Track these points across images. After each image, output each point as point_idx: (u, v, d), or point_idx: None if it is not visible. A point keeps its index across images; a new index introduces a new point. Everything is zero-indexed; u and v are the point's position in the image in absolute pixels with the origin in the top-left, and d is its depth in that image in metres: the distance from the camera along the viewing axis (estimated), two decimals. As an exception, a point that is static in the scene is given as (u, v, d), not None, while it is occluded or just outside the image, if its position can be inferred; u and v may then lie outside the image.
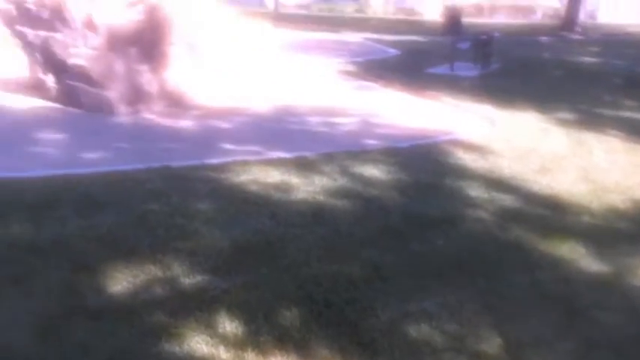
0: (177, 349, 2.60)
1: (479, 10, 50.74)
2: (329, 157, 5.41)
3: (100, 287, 3.07)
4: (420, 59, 14.15)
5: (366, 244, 3.69)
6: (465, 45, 13.16)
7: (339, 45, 18.37)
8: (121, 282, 3.11)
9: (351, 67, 12.42)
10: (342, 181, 4.81)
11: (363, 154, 5.60)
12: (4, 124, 6.57)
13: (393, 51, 16.74)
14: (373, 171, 5.10)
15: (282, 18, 32.21)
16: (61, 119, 6.88)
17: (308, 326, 2.78)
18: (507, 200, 4.62)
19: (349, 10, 49.67)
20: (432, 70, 12.25)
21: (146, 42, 7.35)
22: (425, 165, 5.42)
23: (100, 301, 2.96)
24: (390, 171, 5.13)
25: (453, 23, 15.41)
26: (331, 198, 4.44)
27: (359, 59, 14.13)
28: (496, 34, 14.80)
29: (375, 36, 21.73)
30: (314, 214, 4.10)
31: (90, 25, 7.15)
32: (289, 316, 2.87)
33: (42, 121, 6.74)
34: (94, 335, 2.66)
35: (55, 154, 5.49)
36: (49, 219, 3.83)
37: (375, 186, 4.76)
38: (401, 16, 44.34)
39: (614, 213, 4.44)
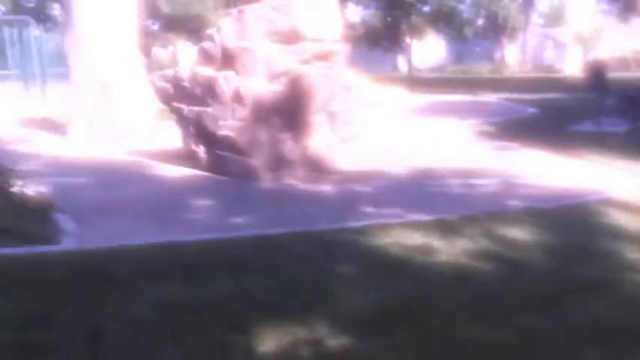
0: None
1: (623, 64, 48.45)
2: (470, 220, 5.32)
3: (249, 346, 3.17)
4: (561, 117, 13.71)
5: (514, 309, 3.56)
6: (610, 100, 12.62)
7: (476, 106, 18.23)
8: (268, 342, 3.20)
9: (488, 128, 12.26)
10: (484, 244, 4.70)
11: (506, 216, 5.46)
12: (160, 191, 7.08)
13: (531, 109, 16.36)
14: (517, 233, 4.94)
15: (416, 82, 32.60)
16: (209, 187, 7.31)
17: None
18: (669, 263, 4.29)
19: (484, 70, 49.42)
20: (575, 128, 11.82)
21: (288, 111, 7.69)
22: (573, 225, 5.19)
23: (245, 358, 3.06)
24: (535, 232, 4.95)
25: (597, 78, 14.80)
26: (474, 261, 4.34)
27: (496, 119, 13.92)
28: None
29: (513, 95, 21.38)
30: (456, 278, 4.03)
31: (237, 98, 7.62)
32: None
33: (193, 188, 7.20)
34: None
35: (205, 218, 5.82)
36: (202, 280, 4.05)
37: (520, 248, 4.61)
38: (539, 74, 43.43)
39: None
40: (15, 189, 5.86)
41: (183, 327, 3.38)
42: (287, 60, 7.71)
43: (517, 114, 15.45)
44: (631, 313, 3.46)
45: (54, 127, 12.67)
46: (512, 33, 55.20)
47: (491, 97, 21.47)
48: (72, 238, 5.10)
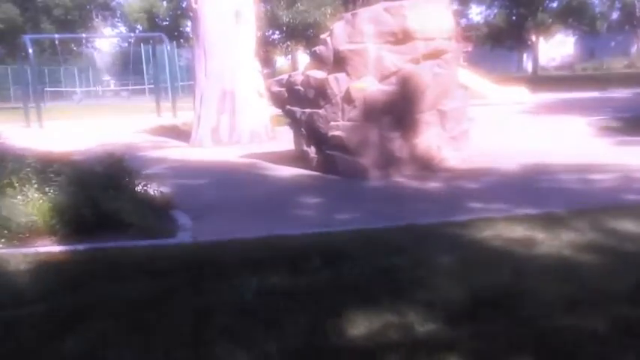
0: (407, 390, 2.68)
1: None
2: (580, 213, 5.14)
3: (341, 330, 3.29)
4: (698, 110, 12.80)
5: (617, 300, 3.43)
6: None
7: (604, 102, 17.38)
8: (359, 327, 3.30)
9: (614, 124, 11.68)
10: (592, 236, 4.54)
11: (620, 210, 5.22)
12: (273, 190, 7.38)
13: (666, 104, 15.35)
14: (630, 226, 4.72)
15: (541, 81, 31.48)
16: (319, 185, 7.51)
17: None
18: None
19: (618, 66, 46.74)
20: None
21: (398, 111, 7.77)
22: (694, 220, 4.87)
23: (340, 342, 3.17)
24: (650, 226, 4.71)
25: None
26: (579, 253, 4.21)
27: (624, 115, 13.20)
28: None
29: (647, 90, 20.17)
30: (558, 269, 3.93)
31: (348, 99, 7.80)
32: (520, 363, 2.79)
33: (303, 187, 7.44)
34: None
35: (312, 215, 6.02)
36: (304, 270, 4.21)
37: (631, 241, 4.40)
38: (680, 67, 40.45)
39: None
40: (139, 188, 6.34)
41: (281, 311, 3.55)
42: (397, 60, 7.79)
43: (649, 109, 14.55)
44: None
45: (180, 134, 13.49)
46: (650, 25, 51.85)
47: (622, 93, 20.36)
48: (187, 232, 5.46)
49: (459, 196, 6.35)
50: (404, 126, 7.79)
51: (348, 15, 8.23)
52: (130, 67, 41.02)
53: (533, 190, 6.48)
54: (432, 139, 7.91)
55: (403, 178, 7.42)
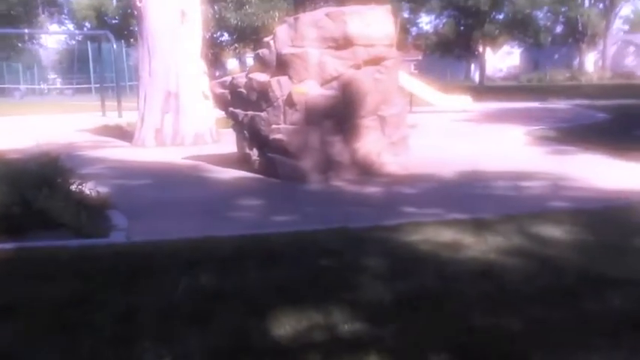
0: (324, 387, 2.73)
1: None
2: (507, 219, 5.31)
3: (266, 330, 3.32)
4: (630, 122, 13.34)
5: (532, 301, 3.56)
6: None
7: (545, 113, 17.90)
8: (284, 326, 3.34)
9: (551, 133, 12.06)
10: (517, 241, 4.69)
11: (545, 216, 5.41)
12: (212, 193, 7.37)
13: (602, 115, 15.94)
14: (553, 231, 4.90)
15: (486, 90, 32.19)
16: (259, 188, 7.54)
17: (454, 375, 2.77)
18: None
19: (561, 78, 48.13)
20: (642, 133, 11.46)
21: (339, 115, 7.85)
22: (614, 226, 5.09)
23: (265, 341, 3.20)
24: (572, 232, 4.89)
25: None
26: (503, 257, 4.35)
27: (563, 125, 13.67)
28: None
29: (586, 102, 20.86)
30: (482, 272, 4.05)
31: (290, 103, 7.84)
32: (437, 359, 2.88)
33: (243, 190, 7.45)
34: (253, 371, 2.89)
35: (249, 217, 6.04)
36: (233, 271, 4.23)
37: (552, 246, 4.58)
38: (618, 81, 41.93)
39: None
40: (73, 188, 6.24)
41: (207, 311, 3.56)
42: (339, 65, 7.88)
43: (585, 120, 15.08)
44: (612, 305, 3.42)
45: (124, 134, 13.32)
46: (592, 39, 53.64)
47: (563, 104, 20.99)
48: (121, 232, 5.41)
49: (394, 201, 6.47)
50: (344, 130, 7.88)
51: (291, 19, 8.29)
52: (75, 65, 40.20)
53: (465, 196, 6.65)
54: (371, 144, 8.03)
55: (342, 182, 7.51)
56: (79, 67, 40.05)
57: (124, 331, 3.34)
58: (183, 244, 4.93)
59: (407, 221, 5.35)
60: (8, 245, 4.90)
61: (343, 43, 7.76)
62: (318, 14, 8.12)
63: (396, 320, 3.37)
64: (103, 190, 6.75)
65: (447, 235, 4.87)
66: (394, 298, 3.67)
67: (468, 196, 6.65)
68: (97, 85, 29.55)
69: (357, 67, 7.90)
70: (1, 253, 4.75)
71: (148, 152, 11.12)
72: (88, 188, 6.50)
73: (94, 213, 5.90)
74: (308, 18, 8.14)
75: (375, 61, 7.97)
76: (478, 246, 4.58)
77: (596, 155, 8.92)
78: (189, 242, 4.96)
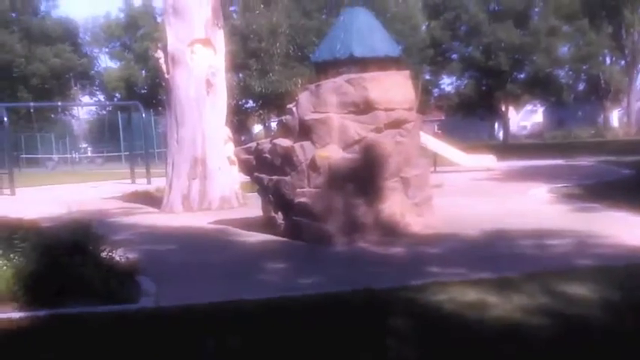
0: None
1: None
2: (532, 277, 5.31)
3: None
4: (656, 178, 13.23)
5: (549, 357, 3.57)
6: None
7: (569, 170, 17.85)
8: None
9: (576, 190, 12.02)
10: (541, 300, 4.70)
11: (571, 274, 5.40)
12: (237, 256, 7.47)
13: (626, 172, 15.84)
14: (579, 289, 4.89)
15: (510, 149, 32.24)
16: (285, 251, 7.62)
17: None
18: None
19: (585, 135, 48.06)
20: (669, 188, 11.38)
21: (362, 178, 7.98)
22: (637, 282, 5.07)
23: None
24: (598, 290, 4.88)
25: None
26: (528, 316, 4.35)
27: (587, 182, 13.62)
28: None
29: (611, 158, 20.75)
30: (508, 332, 4.06)
31: (313, 167, 8.00)
32: None
33: (270, 253, 7.54)
34: None
35: (277, 280, 6.12)
36: (263, 335, 4.29)
37: (578, 305, 4.57)
38: (644, 137, 41.66)
39: None
40: (104, 254, 6.39)
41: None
42: (360, 129, 8.06)
43: (610, 176, 15.00)
44: None
45: (152, 200, 13.57)
46: (616, 96, 53.68)
47: (587, 161, 20.93)
48: (150, 297, 5.51)
49: (419, 262, 6.50)
50: (368, 193, 7.98)
51: (313, 86, 8.53)
52: (105, 135, 41.26)
53: (491, 255, 6.66)
54: (395, 205, 8.10)
55: (367, 244, 7.57)
56: (109, 136, 41.07)
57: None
58: (211, 308, 5.01)
59: (432, 281, 5.39)
60: (41, 313, 5.03)
61: (364, 107, 7.97)
62: (339, 81, 8.36)
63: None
64: (132, 256, 6.89)
65: (471, 294, 4.89)
66: (417, 356, 3.70)
67: (493, 255, 6.65)
68: (127, 153, 30.19)
69: (379, 130, 8.07)
70: (34, 320, 4.89)
71: (175, 218, 11.32)
72: (118, 254, 6.65)
73: (123, 279, 6.03)
74: (329, 85, 8.38)
75: (396, 124, 8.14)
76: (503, 305, 4.59)
77: (620, 212, 8.87)
78: (217, 305, 5.04)
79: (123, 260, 6.57)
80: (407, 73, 8.53)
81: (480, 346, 3.86)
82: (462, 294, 4.92)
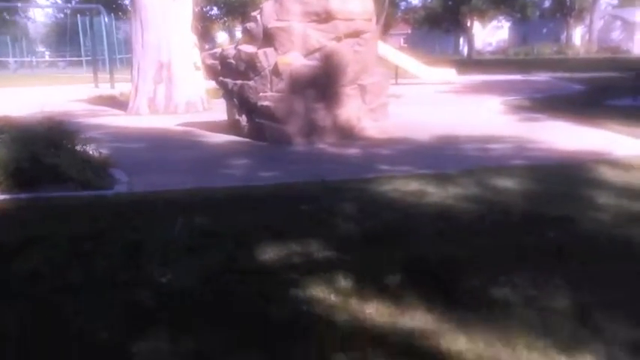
0: (300, 294, 3.37)
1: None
2: (468, 173, 5.96)
3: (252, 256, 3.96)
4: (603, 93, 13.95)
5: (479, 235, 4.22)
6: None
7: (524, 84, 18.47)
8: (268, 254, 3.98)
9: (526, 103, 12.67)
10: (473, 190, 5.35)
11: (503, 170, 6.06)
12: (204, 154, 7.98)
13: (577, 87, 16.56)
14: (507, 183, 5.56)
15: (473, 63, 32.71)
16: (248, 150, 8.16)
17: (405, 285, 3.41)
18: (636, 206, 4.83)
19: (547, 52, 48.61)
20: (611, 103, 12.10)
21: (321, 84, 8.45)
22: (562, 178, 5.75)
23: (250, 265, 3.84)
24: (523, 183, 5.55)
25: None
26: (459, 202, 5.00)
27: (537, 95, 14.27)
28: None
29: (566, 75, 21.42)
30: (439, 213, 4.71)
31: (276, 72, 8.43)
32: (392, 278, 3.51)
33: (233, 151, 8.06)
34: (242, 284, 3.52)
35: (238, 173, 6.68)
36: (224, 214, 4.86)
37: (504, 194, 5.24)
38: (604, 55, 42.46)
39: None
40: (78, 148, 6.83)
41: (202, 243, 4.19)
42: (321, 37, 8.46)
43: (561, 91, 15.70)
44: (571, 240, 4.07)
45: (117, 104, 13.86)
46: (580, 14, 54.04)
47: (543, 77, 21.58)
48: (123, 185, 6.03)
49: (370, 161, 7.11)
50: (327, 98, 8.48)
51: (277, -5, 8.83)
52: (66, 39, 40.32)
53: (435, 156, 7.30)
54: (352, 110, 8.64)
55: (325, 145, 8.14)
56: (69, 41, 40.18)
57: (132, 258, 3.97)
58: (180, 193, 5.56)
59: (380, 175, 5.99)
60: (23, 196, 5.50)
61: (325, 17, 8.35)
62: (302, -10, 8.67)
63: (361, 250, 4.02)
64: (103, 151, 7.33)
65: (413, 185, 5.52)
66: (361, 233, 4.32)
67: (439, 156, 7.29)
68: (89, 58, 29.82)
69: (338, 39, 8.49)
70: (17, 202, 5.38)
71: (142, 119, 11.69)
72: (91, 149, 7.09)
73: (97, 170, 6.50)
74: (292, -6, 8.68)
75: (355, 34, 8.56)
76: (439, 194, 5.23)
77: (562, 122, 9.57)
78: (185, 192, 5.59)
79: (96, 154, 7.03)
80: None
81: (414, 221, 4.50)
82: (404, 185, 5.54)
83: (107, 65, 23.85)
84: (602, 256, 3.79)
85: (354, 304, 3.22)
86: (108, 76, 22.35)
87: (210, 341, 2.88)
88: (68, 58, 43.38)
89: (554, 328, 2.90)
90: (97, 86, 21.67)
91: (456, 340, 2.82)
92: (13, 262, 3.86)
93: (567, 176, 5.88)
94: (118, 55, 33.18)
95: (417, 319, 3.04)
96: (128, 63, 23.71)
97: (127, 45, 25.63)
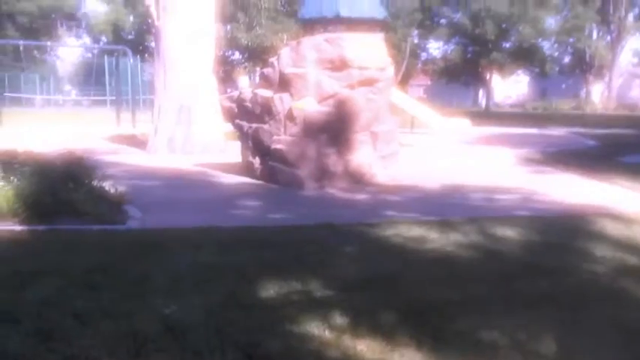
0: (295, 329, 3.51)
1: None
2: (471, 221, 6.10)
3: (255, 292, 4.11)
4: (616, 149, 14.06)
5: (472, 281, 4.35)
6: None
7: (539, 138, 18.63)
8: (270, 290, 4.13)
9: (538, 156, 12.80)
10: (474, 238, 5.49)
11: (505, 220, 6.19)
12: (217, 194, 8.20)
13: (591, 142, 16.66)
14: (508, 232, 5.69)
15: (489, 116, 32.97)
16: (259, 192, 8.36)
17: (397, 324, 3.54)
18: (631, 260, 4.93)
19: (566, 107, 48.88)
20: (623, 159, 12.20)
21: (334, 130, 8.69)
22: (563, 230, 5.87)
23: (252, 300, 3.99)
24: (524, 233, 5.68)
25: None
26: (458, 249, 5.14)
27: (551, 149, 14.39)
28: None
29: (582, 130, 21.56)
30: (438, 259, 4.85)
31: (290, 117, 8.70)
32: (384, 316, 3.65)
33: (245, 193, 8.26)
34: (242, 318, 3.67)
35: (249, 214, 6.87)
36: (232, 252, 5.03)
37: (503, 243, 5.36)
38: (621, 112, 42.59)
39: None
40: (95, 184, 7.08)
41: (207, 278, 4.36)
42: (335, 84, 8.75)
43: (574, 146, 15.82)
44: (564, 290, 4.18)
45: (138, 143, 14.22)
46: (599, 71, 54.45)
47: (559, 131, 21.73)
48: (136, 221, 6.24)
49: (379, 206, 7.28)
50: (339, 143, 8.71)
51: (294, 43, 9.18)
52: (92, 78, 41.37)
53: (442, 204, 7.45)
54: (364, 157, 8.85)
55: (335, 190, 8.33)
56: (95, 80, 41.21)
57: (139, 289, 4.15)
58: (190, 231, 5.75)
59: (384, 220, 6.16)
60: (40, 228, 5.72)
61: (339, 65, 8.64)
62: (318, 39, 9.02)
63: (361, 291, 4.16)
64: (120, 188, 7.57)
65: (415, 231, 5.67)
66: (363, 276, 4.46)
67: (445, 204, 7.44)
68: (113, 98, 30.54)
69: (352, 87, 8.76)
70: (34, 233, 5.59)
71: (159, 159, 11.99)
72: (107, 185, 7.35)
73: (112, 206, 6.74)
74: (309, 42, 9.02)
75: (368, 83, 8.83)
76: (440, 241, 5.38)
77: (571, 175, 9.69)
78: (195, 230, 5.79)
79: (112, 190, 7.28)
80: (381, 35, 9.19)
81: (413, 266, 4.64)
82: (407, 230, 5.69)
83: (130, 105, 24.44)
84: (590, 306, 3.90)
85: (347, 340, 3.35)
86: (130, 115, 22.88)
87: (206, 369, 3.03)
88: (93, 97, 44.39)
89: (536, 370, 3.01)
90: (119, 125, 22.18)
91: (441, 378, 2.94)
92: (26, 290, 4.05)
93: (568, 228, 5.99)
94: (142, 95, 33.93)
95: (406, 357, 3.16)
96: (150, 104, 24.31)
97: (150, 86, 26.30)
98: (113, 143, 15.04)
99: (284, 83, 8.93)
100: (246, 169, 9.46)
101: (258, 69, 34.47)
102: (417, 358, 3.15)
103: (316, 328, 3.51)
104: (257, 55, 35.00)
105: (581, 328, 3.55)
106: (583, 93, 57.07)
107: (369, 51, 8.81)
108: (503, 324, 3.58)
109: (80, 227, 5.80)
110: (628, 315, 3.77)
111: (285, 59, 9.03)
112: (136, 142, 14.65)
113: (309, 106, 8.59)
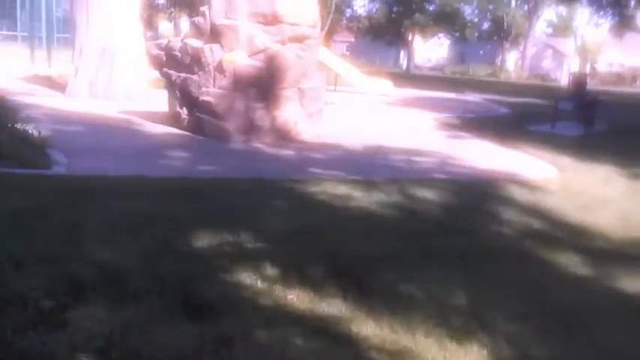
0: (229, 278, 3.71)
1: (620, 80, 49.50)
2: (393, 182, 6.43)
3: (187, 241, 4.27)
4: (526, 118, 14.80)
5: (393, 237, 4.67)
6: (568, 106, 13.70)
7: (456, 103, 19.30)
8: (202, 240, 4.30)
9: (454, 121, 13.35)
10: (395, 198, 5.82)
11: (424, 182, 6.57)
12: (143, 143, 8.18)
13: (504, 110, 17.44)
14: (426, 194, 6.06)
15: (410, 78, 33.64)
16: (187, 143, 8.41)
17: (324, 276, 3.80)
18: (535, 223, 5.39)
19: (482, 73, 50.38)
20: (532, 128, 12.90)
21: (263, 84, 8.78)
22: (475, 193, 6.30)
23: (185, 248, 4.15)
24: (440, 195, 6.07)
25: (578, 89, 15.74)
26: (380, 207, 5.46)
27: (467, 115, 15.00)
28: (602, 98, 15.15)
29: (496, 97, 22.45)
30: (361, 215, 5.14)
31: (220, 69, 8.71)
32: (312, 268, 3.90)
33: (173, 143, 8.29)
34: (176, 266, 3.83)
35: (178, 165, 6.94)
36: (162, 202, 5.14)
37: (421, 203, 5.73)
38: (533, 82, 44.37)
39: (632, 241, 5.10)
40: (17, 126, 6.93)
41: (141, 227, 4.46)
42: (266, 39, 8.80)
43: (488, 113, 16.55)
44: (473, 248, 4.58)
45: (56, 85, 13.76)
46: (515, 39, 56.21)
47: (474, 97, 22.55)
48: (62, 166, 6.20)
49: (304, 163, 7.50)
50: (267, 99, 8.82)
51: (226, -8, 9.11)
52: (3, 11, 39.00)
53: (366, 164, 7.76)
54: (290, 113, 9.01)
55: (261, 144, 8.47)
56: (7, 14, 38.84)
57: (73, 235, 4.21)
58: (116, 179, 5.79)
59: (310, 177, 6.39)
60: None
61: (271, 20, 8.69)
62: (252, -9, 8.99)
63: (287, 243, 4.39)
64: (42, 131, 7.43)
65: (341, 189, 5.94)
66: (289, 228, 4.69)
67: (368, 164, 7.76)
68: (25, 34, 29.07)
69: (283, 42, 8.85)
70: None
71: (81, 103, 11.70)
72: (29, 128, 7.20)
73: (35, 150, 6.64)
74: (242, -7, 8.99)
75: (299, 39, 8.94)
76: (363, 199, 5.68)
77: (485, 142, 10.22)
78: (122, 178, 5.83)
79: (34, 134, 7.14)
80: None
81: (340, 222, 4.92)
82: (333, 188, 5.96)
83: (44, 43, 23.38)
84: (496, 262, 4.30)
85: (278, 290, 3.59)
86: (45, 54, 21.92)
87: (141, 311, 3.18)
88: (5, 32, 41.93)
89: (449, 319, 3.35)
90: (33, 63, 21.23)
91: (365, 326, 3.22)
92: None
93: (479, 192, 6.43)
94: (57, 34, 32.42)
95: (332, 306, 3.43)
96: (65, 43, 23.31)
97: (65, 24, 25.19)
98: (29, 83, 14.47)
99: (215, 34, 8.90)
100: (172, 119, 9.44)
101: (183, 15, 33.64)
102: (343, 308, 3.42)
103: (248, 278, 3.72)
104: (184, 1, 34.04)
105: (488, 282, 3.93)
106: (498, 60, 58.89)
107: (301, 7, 8.89)
108: (420, 277, 3.91)
109: (3, 170, 5.70)
110: (529, 271, 4.20)
111: (217, 9, 8.97)
112: (53, 83, 14.17)
113: (239, 59, 8.63)
